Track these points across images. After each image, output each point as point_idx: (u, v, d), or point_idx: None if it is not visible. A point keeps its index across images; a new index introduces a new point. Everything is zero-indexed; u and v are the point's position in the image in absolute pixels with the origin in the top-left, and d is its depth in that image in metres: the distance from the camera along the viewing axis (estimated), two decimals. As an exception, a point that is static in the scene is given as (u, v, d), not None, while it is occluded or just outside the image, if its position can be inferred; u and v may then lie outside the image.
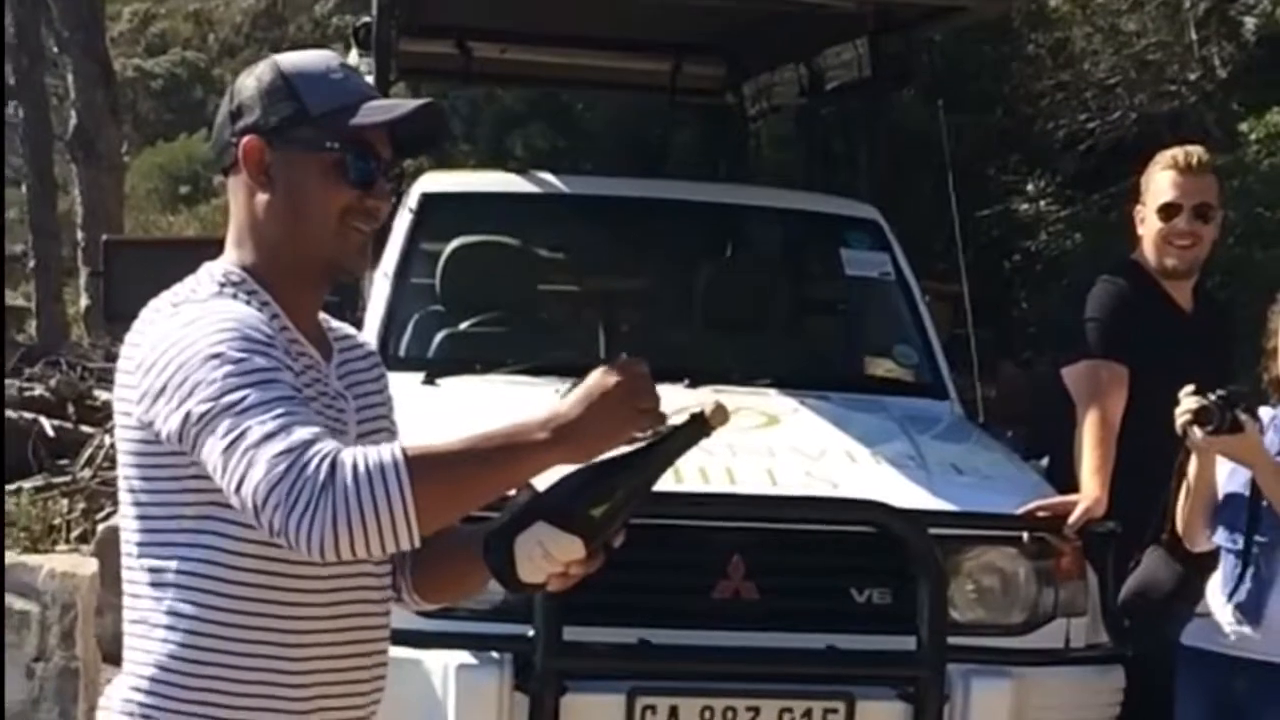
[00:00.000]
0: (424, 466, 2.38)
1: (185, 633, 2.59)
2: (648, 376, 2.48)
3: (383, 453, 2.38)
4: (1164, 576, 4.68)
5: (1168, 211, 5.19)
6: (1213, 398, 4.32)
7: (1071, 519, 4.92)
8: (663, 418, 2.49)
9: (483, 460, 2.42)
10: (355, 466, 2.36)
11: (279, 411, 2.42)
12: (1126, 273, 5.36)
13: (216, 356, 2.47)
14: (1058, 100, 12.05)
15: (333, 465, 2.36)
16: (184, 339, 2.51)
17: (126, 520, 2.67)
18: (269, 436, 2.38)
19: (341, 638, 2.68)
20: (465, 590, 2.93)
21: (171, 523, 2.59)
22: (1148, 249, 5.29)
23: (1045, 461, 5.70)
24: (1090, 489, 4.95)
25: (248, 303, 2.64)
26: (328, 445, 2.39)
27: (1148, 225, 5.27)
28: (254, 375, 2.46)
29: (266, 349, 2.52)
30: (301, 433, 2.40)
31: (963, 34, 11.51)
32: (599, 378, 2.46)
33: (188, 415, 2.45)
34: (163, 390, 2.50)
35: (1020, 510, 5.00)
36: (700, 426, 2.51)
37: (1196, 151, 5.26)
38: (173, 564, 2.59)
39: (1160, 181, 5.22)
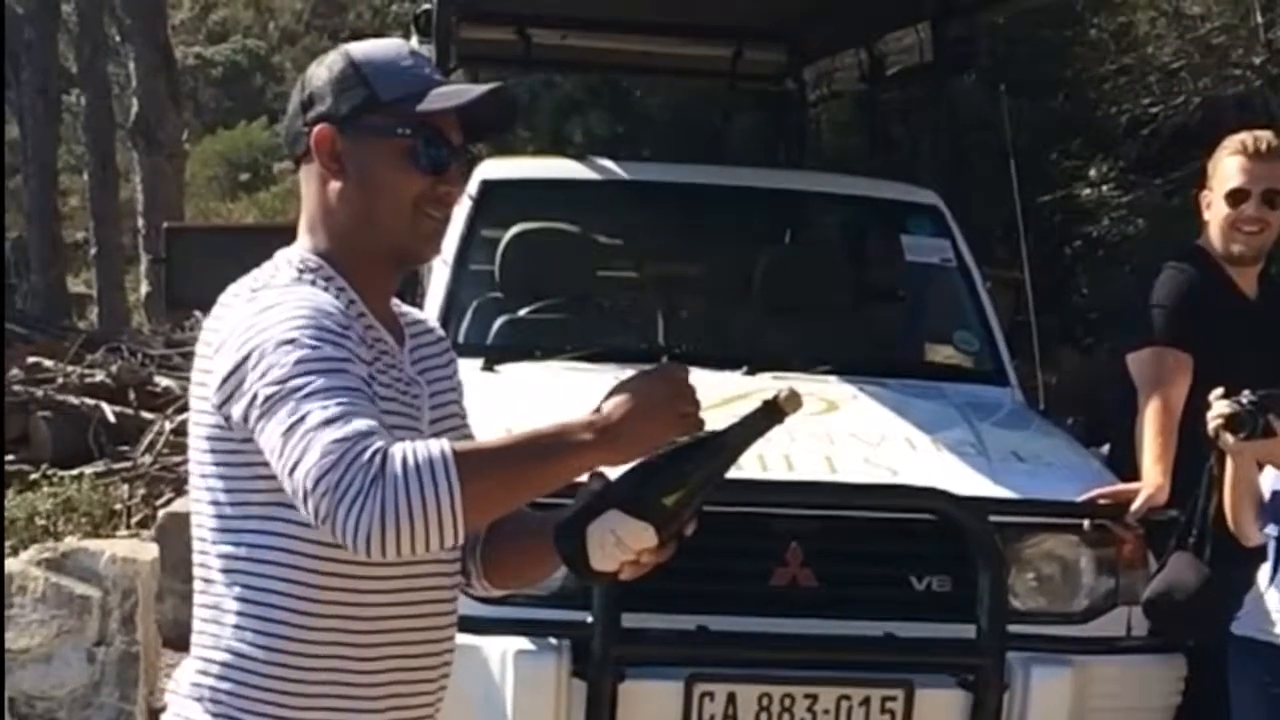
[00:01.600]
0: (472, 463, 2.38)
1: (256, 619, 2.59)
2: (689, 382, 2.50)
3: (431, 448, 2.37)
4: (1190, 578, 4.67)
5: (1235, 197, 5.14)
6: (1244, 402, 4.29)
7: (1134, 506, 4.89)
8: (701, 423, 2.50)
9: (529, 457, 2.43)
10: (405, 461, 2.35)
11: (341, 400, 2.42)
12: (1192, 259, 5.30)
13: (289, 342, 2.47)
14: (1120, 84, 11.95)
15: (384, 459, 2.35)
16: (259, 324, 2.52)
17: (199, 505, 2.67)
18: (328, 423, 2.38)
19: (412, 624, 2.68)
20: (535, 577, 2.93)
21: (243, 509, 2.60)
22: (1214, 234, 5.23)
23: (1106, 449, 5.66)
24: (1152, 477, 4.91)
25: (325, 289, 2.64)
26: (383, 439, 2.38)
27: (1214, 210, 5.22)
28: (323, 363, 2.46)
29: (339, 339, 2.52)
30: (359, 423, 2.39)
31: (1025, 18, 11.44)
32: (641, 382, 2.48)
33: (254, 397, 2.46)
34: (235, 373, 2.50)
35: (1081, 498, 4.97)
36: (773, 413, 2.50)
37: (1266, 136, 5.19)
38: (245, 550, 2.60)
39: (1228, 167, 5.16)
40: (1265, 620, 4.47)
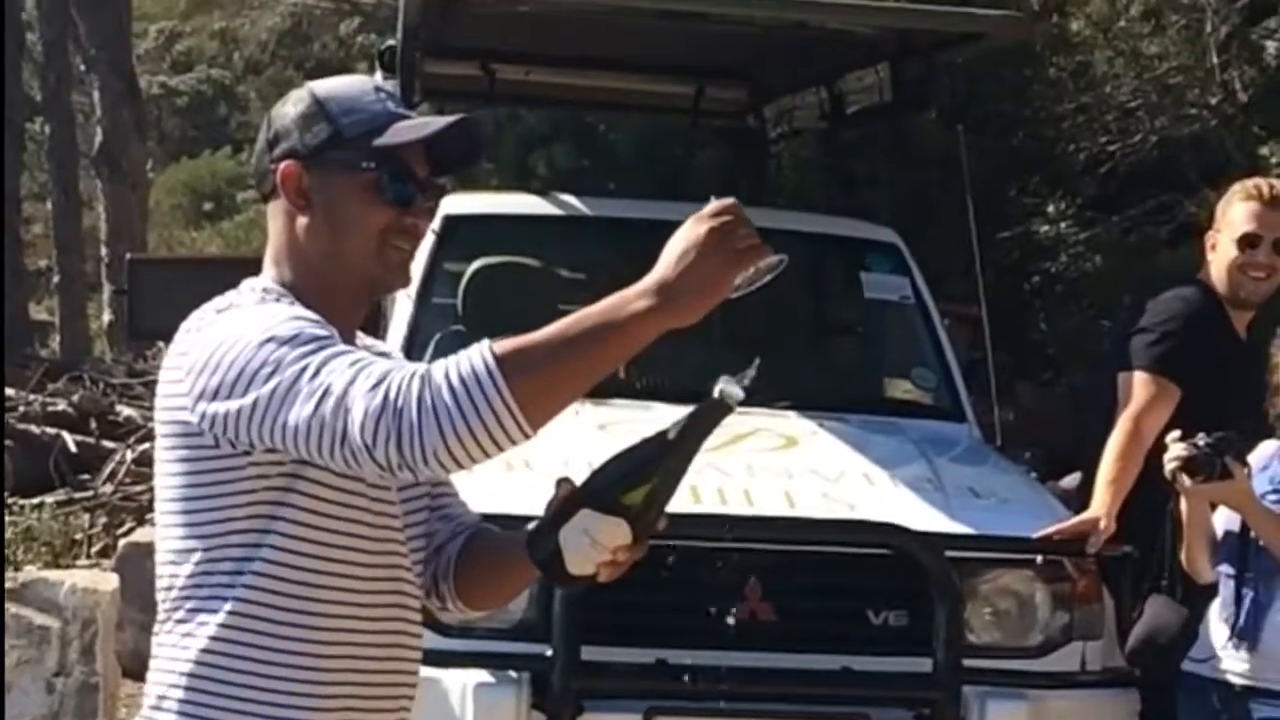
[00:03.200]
0: (517, 363, 2.36)
1: (226, 641, 2.59)
2: (741, 213, 2.42)
3: (473, 358, 2.36)
4: (1172, 620, 4.72)
5: (1246, 242, 5.19)
6: (1202, 444, 4.34)
7: (1090, 542, 4.92)
8: (764, 251, 2.42)
9: (583, 342, 2.40)
10: (448, 377, 2.35)
11: (349, 361, 2.43)
12: (1195, 290, 5.35)
13: (268, 341, 2.48)
14: (1078, 123, 12.01)
15: (424, 380, 2.35)
16: (231, 335, 2.53)
17: (169, 530, 2.66)
18: (351, 382, 2.39)
19: (373, 650, 2.68)
20: (509, 594, 2.94)
21: (221, 526, 2.59)
22: (1218, 275, 5.28)
23: (1077, 477, 5.67)
24: (1102, 499, 4.96)
25: (291, 304, 2.65)
26: (410, 366, 2.40)
27: (1221, 252, 5.25)
28: (311, 345, 2.47)
29: (318, 324, 2.54)
30: (378, 367, 2.41)
31: (984, 57, 11.52)
32: (689, 228, 2.41)
33: (255, 401, 2.46)
34: (219, 388, 2.51)
35: (1036, 534, 5.02)
36: (723, 407, 2.49)
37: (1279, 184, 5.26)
38: (226, 568, 2.59)
39: (1240, 211, 5.20)
40: (1215, 656, 4.52)
